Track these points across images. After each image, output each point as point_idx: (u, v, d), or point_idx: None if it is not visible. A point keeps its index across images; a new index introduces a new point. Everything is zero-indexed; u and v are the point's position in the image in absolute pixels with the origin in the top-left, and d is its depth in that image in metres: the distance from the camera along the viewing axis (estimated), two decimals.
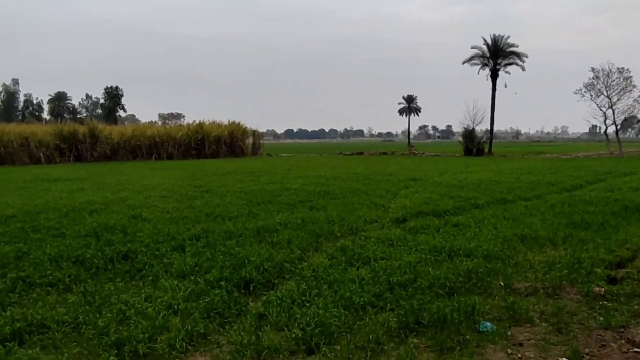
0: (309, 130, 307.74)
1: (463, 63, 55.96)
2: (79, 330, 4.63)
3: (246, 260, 6.66)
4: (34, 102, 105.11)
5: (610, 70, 45.29)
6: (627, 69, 45.36)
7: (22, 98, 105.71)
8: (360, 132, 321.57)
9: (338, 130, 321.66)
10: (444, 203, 12.18)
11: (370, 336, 4.49)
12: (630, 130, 64.50)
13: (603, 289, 5.78)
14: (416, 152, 59.13)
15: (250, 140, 47.09)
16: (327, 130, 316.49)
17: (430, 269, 6.39)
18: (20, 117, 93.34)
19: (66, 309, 5.11)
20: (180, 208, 11.25)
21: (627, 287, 5.87)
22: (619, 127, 48.98)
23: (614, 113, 46.25)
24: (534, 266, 6.71)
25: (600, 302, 5.43)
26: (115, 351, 4.19)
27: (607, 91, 45.43)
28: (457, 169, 25.12)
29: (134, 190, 15.18)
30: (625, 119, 48.62)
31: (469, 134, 50.49)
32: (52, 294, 5.64)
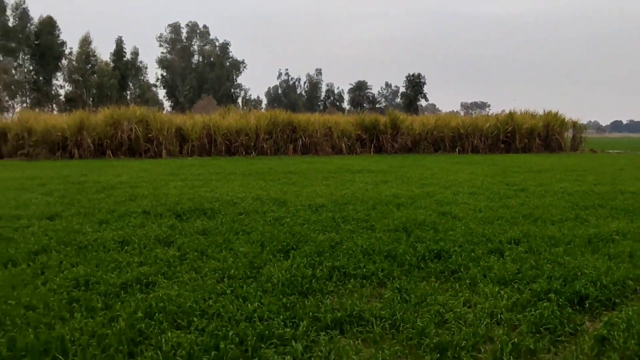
0: None
1: None
2: (397, 327, 4.91)
3: (579, 273, 6.30)
4: (335, 91, 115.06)
5: None
6: None
7: (324, 88, 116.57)
8: None
9: None
10: None
11: None
12: None
13: None
14: None
15: (569, 134, 44.48)
16: None
17: None
18: (321, 107, 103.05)
19: (382, 304, 5.47)
20: (494, 207, 11.18)
21: None
22: None
23: None
24: None
25: None
26: (438, 355, 4.34)
27: None
28: None
29: (440, 185, 15.59)
30: None
31: None
32: (366, 286, 6.09)
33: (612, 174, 20.20)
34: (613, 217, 10.19)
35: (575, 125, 44.95)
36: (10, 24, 76.38)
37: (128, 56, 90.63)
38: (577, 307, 5.46)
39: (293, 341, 4.52)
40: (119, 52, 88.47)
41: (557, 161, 28.62)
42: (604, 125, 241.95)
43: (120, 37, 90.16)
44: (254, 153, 35.21)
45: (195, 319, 4.98)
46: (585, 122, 49.04)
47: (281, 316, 5.05)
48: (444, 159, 30.93)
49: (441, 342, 4.50)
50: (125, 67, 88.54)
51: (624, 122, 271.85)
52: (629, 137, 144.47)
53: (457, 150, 39.76)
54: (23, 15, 77.66)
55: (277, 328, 4.77)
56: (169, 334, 4.63)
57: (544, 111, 43.46)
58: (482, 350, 4.45)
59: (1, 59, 72.14)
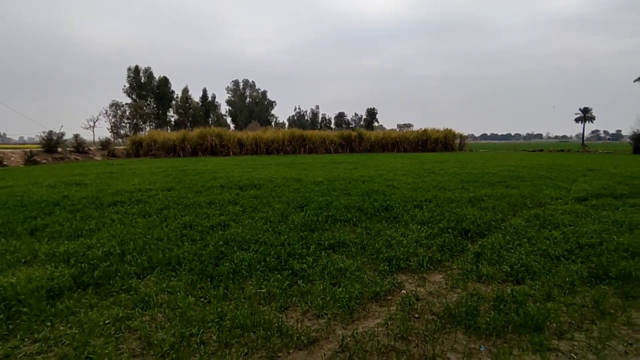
0: (499, 134, 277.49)
1: (635, 81, 44.12)
2: (364, 248, 4.93)
3: (464, 217, 6.31)
4: (327, 118, 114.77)
5: None
6: None
7: (320, 116, 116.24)
8: (539, 135, 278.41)
9: (521, 133, 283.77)
10: (620, 188, 9.82)
11: (566, 279, 3.88)
12: None
13: None
14: (589, 150, 48.73)
15: (458, 141, 44.28)
16: (512, 134, 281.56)
17: (614, 236, 5.24)
18: (319, 127, 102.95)
19: (355, 235, 5.48)
20: (416, 182, 11.18)
21: None
22: None
23: None
24: None
25: None
26: (387, 263, 4.36)
27: None
28: (628, 163, 20.01)
29: (386, 170, 15.56)
30: None
31: (638, 137, 39.71)
32: (347, 226, 6.10)
33: (481, 162, 20.14)
34: (483, 187, 10.18)
35: (461, 135, 44.79)
36: (142, 80, 76.35)
37: (210, 98, 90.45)
38: (464, 236, 5.48)
39: (307, 256, 4.54)
40: (204, 96, 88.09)
41: (451, 156, 28.52)
42: (476, 135, 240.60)
43: (205, 88, 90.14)
44: (281, 153, 35.08)
45: (252, 244, 5.00)
46: (466, 134, 48.95)
47: (299, 243, 5.06)
48: (388, 156, 30.81)
49: (389, 256, 4.52)
50: (208, 105, 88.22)
51: (488, 133, 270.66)
52: (491, 142, 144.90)
53: (395, 150, 39.71)
54: (149, 75, 77.51)
55: (298, 249, 4.79)
56: (238, 253, 4.65)
57: (444, 128, 43.28)
58: (412, 260, 4.47)
59: (138, 100, 71.77)
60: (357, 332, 2.94)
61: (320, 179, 11.79)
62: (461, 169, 16.04)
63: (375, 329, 3.00)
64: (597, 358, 2.66)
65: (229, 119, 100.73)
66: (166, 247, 4.85)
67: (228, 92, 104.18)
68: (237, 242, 5.07)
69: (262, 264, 4.30)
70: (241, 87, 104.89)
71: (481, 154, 36.38)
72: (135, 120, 65.98)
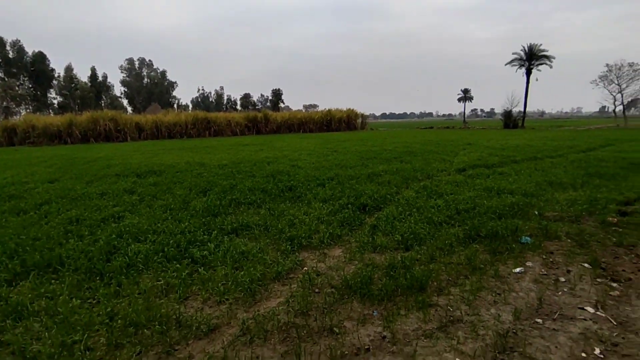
0: (396, 112, 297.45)
1: (506, 65, 50.39)
2: (268, 229, 4.90)
3: (363, 193, 6.64)
4: (232, 99, 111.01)
5: (622, 65, 38.73)
6: (637, 63, 38.55)
7: (225, 97, 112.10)
8: (430, 114, 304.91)
9: (415, 112, 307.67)
10: (491, 159, 11.25)
11: (446, 241, 4.32)
12: (633, 109, 55.07)
13: (616, 219, 5.06)
14: (469, 126, 54.98)
15: (360, 120, 46.28)
16: (408, 113, 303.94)
17: (485, 201, 5.98)
18: (224, 109, 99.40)
19: (259, 217, 5.42)
20: (320, 161, 11.43)
21: (635, 218, 5.11)
22: (625, 106, 42.07)
23: (622, 96, 39.74)
24: (560, 202, 6.03)
25: (614, 228, 4.78)
26: (289, 243, 4.40)
27: (617, 80, 39.01)
28: (499, 137, 23.01)
29: (292, 150, 15.64)
30: (631, 101, 41.57)
31: (507, 114, 45.90)
32: (251, 209, 6.00)
33: (380, 140, 21.41)
34: (380, 163, 10.81)
35: (362, 115, 46.90)
36: (10, 56, 64.57)
37: (100, 78, 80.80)
38: (363, 211, 5.76)
39: (209, 243, 4.36)
40: (93, 76, 78.38)
41: (353, 135, 29.79)
42: (377, 115, 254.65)
43: (94, 66, 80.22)
44: (185, 137, 33.06)
45: (149, 235, 4.64)
46: (368, 114, 51.39)
47: (201, 229, 4.84)
48: (294, 136, 31.00)
49: (291, 235, 4.56)
50: (98, 86, 78.90)
51: (387, 113, 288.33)
52: (389, 121, 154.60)
53: (301, 131, 40.08)
54: (19, 49, 65.94)
55: (199, 236, 4.57)
56: (133, 245, 4.28)
57: (347, 108, 44.81)
58: (313, 238, 4.57)
59: (6, 79, 60.73)
60: (258, 314, 2.92)
61: (225, 162, 11.40)
62: (362, 147, 16.83)
63: (277, 309, 3.01)
64: (469, 308, 3.02)
65: (125, 101, 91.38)
66: (45, 247, 4.26)
67: (122, 72, 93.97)
68: (132, 233, 4.66)
69: (160, 254, 4.02)
70: (137, 66, 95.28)
71: (381, 132, 38.63)
72: (5, 103, 56.16)
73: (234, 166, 10.53)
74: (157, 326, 2.75)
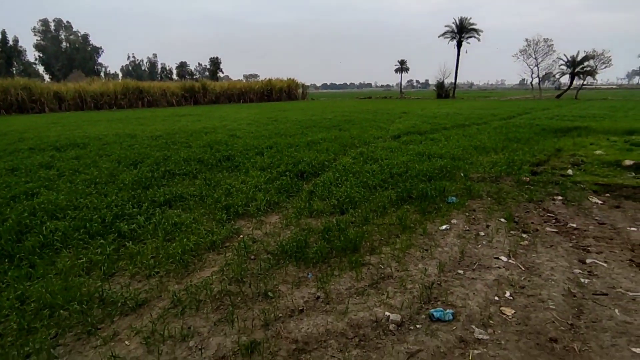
0: (337, 83, 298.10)
1: (439, 37, 51.80)
2: (203, 199, 4.71)
3: (301, 160, 6.58)
4: (167, 68, 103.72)
5: (539, 40, 41.66)
6: (550, 39, 41.60)
7: (159, 66, 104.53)
8: (369, 85, 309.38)
9: (355, 83, 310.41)
10: (424, 126, 11.71)
11: (379, 204, 4.43)
12: (547, 81, 60.11)
13: (528, 178, 5.53)
14: (405, 97, 56.67)
15: (300, 90, 45.75)
16: (348, 84, 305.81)
17: (416, 165, 6.21)
18: (159, 78, 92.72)
19: (194, 188, 5.18)
20: (259, 130, 11.15)
21: (543, 177, 5.61)
22: (540, 79, 45.68)
23: (538, 70, 42.98)
24: (483, 164, 6.45)
25: (526, 186, 5.22)
26: (225, 212, 4.26)
27: (534, 54, 42.00)
28: (432, 107, 24.01)
29: (231, 120, 15.09)
30: (545, 74, 45.06)
31: (440, 85, 47.88)
32: (186, 179, 5.71)
33: (320, 110, 21.37)
34: (320, 131, 10.79)
35: (303, 85, 46.37)
36: None
37: (11, 42, 70.95)
38: (301, 178, 5.73)
39: (138, 216, 4.09)
40: (3, 40, 68.63)
41: (294, 105, 29.42)
42: (318, 85, 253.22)
43: (4, 29, 69.92)
44: (115, 108, 30.49)
45: (69, 211, 4.23)
46: (308, 84, 50.87)
47: (130, 202, 4.52)
48: (234, 106, 29.93)
49: (228, 204, 4.41)
50: (9, 50, 69.40)
51: (328, 83, 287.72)
52: (330, 92, 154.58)
53: (241, 101, 38.79)
54: None
55: (128, 209, 4.27)
56: (49, 223, 3.88)
57: (287, 78, 43.93)
58: (250, 206, 4.46)
59: None
60: (190, 285, 2.81)
61: (159, 133, 10.71)
62: (302, 116, 16.67)
63: (211, 278, 2.91)
64: (398, 265, 3.14)
65: (40, 68, 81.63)
66: None
67: (36, 35, 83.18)
68: (48, 211, 4.22)
69: (82, 231, 3.69)
70: (52, 28, 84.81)
71: (321, 102, 38.54)
72: None
73: (169, 137, 9.92)
74: (77, 306, 2.53)
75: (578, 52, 37.09)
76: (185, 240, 3.48)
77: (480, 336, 2.23)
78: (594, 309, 2.48)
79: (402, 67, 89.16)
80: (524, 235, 3.67)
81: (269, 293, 2.71)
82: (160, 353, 2.14)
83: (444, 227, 3.90)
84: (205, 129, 11.61)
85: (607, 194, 4.86)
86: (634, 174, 5.67)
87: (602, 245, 3.45)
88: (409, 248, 3.43)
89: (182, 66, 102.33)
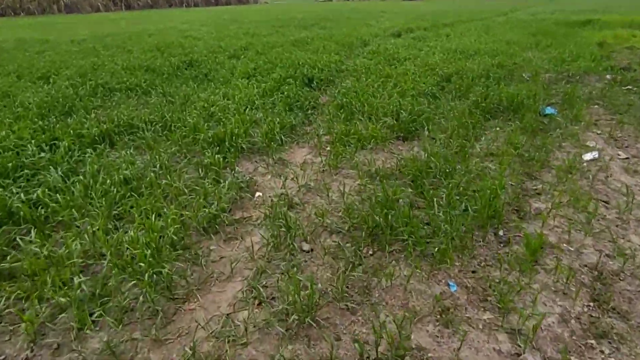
0: None
1: None
2: (169, 128, 2.75)
3: (300, 62, 4.53)
4: None
5: None
6: None
7: None
8: None
9: None
10: (421, 23, 9.58)
11: (463, 120, 2.73)
12: None
13: (612, 76, 4.00)
14: None
15: None
16: None
17: (464, 63, 4.44)
18: None
19: (150, 109, 3.13)
20: (220, 31, 8.54)
21: (627, 75, 4.09)
22: None
23: None
24: (533, 60, 4.79)
25: (624, 88, 3.70)
26: (217, 147, 2.38)
27: None
28: (406, 8, 20.92)
29: (179, 22, 11.96)
30: None
31: None
32: (132, 97, 3.60)
33: (283, 11, 18.04)
34: (299, 30, 8.43)
35: None
36: None
37: None
38: (309, 86, 3.80)
39: (51, 167, 2.11)
40: None
41: (250, 8, 25.28)
42: None
43: None
44: (22, 13, 24.48)
45: None
46: None
47: (35, 141, 2.45)
48: (177, 10, 25.15)
49: (216, 134, 2.50)
50: None
51: None
52: None
53: (184, 5, 32.96)
54: None
55: (29, 155, 2.24)
56: None
57: None
58: (253, 134, 2.60)
59: None
60: None
61: (82, 37, 7.86)
62: (266, 16, 13.80)
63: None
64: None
65: None
66: None
67: None
68: None
69: None
70: None
71: (280, 4, 33.73)
72: None
73: (97, 41, 7.21)
74: None
75: None
76: (150, 229, 1.63)
77: None
78: None
79: None
80: None
81: None
82: None
83: (588, 155, 2.33)
84: (148, 31, 8.80)
85: None
86: None
87: None
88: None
89: None
